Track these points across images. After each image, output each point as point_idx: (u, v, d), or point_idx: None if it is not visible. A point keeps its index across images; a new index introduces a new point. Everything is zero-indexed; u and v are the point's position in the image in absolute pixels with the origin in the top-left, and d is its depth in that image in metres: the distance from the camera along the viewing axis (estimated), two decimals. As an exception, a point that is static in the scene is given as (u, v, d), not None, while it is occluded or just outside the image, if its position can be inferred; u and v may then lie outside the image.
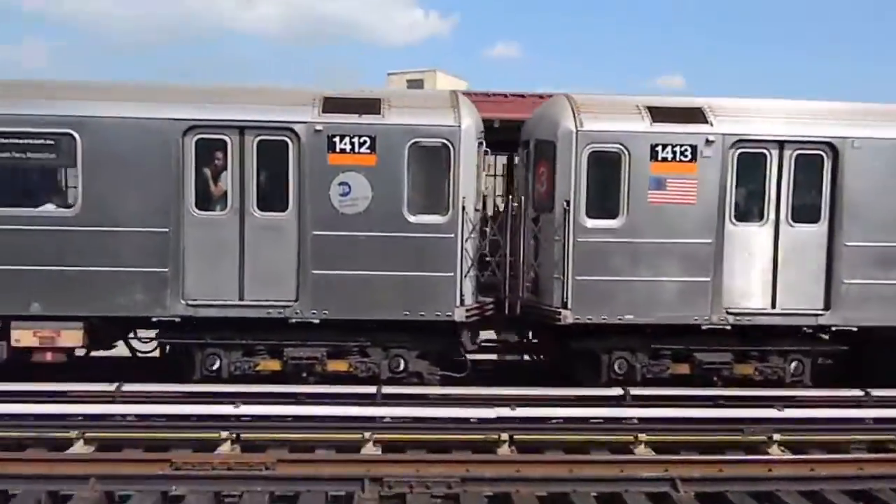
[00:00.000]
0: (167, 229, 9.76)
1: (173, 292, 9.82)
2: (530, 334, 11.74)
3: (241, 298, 9.97)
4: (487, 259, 10.50)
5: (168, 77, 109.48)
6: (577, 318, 10.23)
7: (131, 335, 11.10)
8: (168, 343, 10.55)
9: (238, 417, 8.95)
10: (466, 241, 10.08)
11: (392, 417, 9.05)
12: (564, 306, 10.20)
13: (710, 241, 10.26)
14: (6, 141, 9.68)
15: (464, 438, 8.47)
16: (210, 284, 9.93)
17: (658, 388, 10.17)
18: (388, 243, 9.98)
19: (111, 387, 9.63)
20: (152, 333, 10.71)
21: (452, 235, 10.04)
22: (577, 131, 10.08)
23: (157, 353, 11.13)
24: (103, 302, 9.83)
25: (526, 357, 12.55)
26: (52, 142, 9.71)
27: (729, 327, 10.55)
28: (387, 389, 9.72)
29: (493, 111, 12.07)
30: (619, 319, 10.29)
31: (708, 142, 10.15)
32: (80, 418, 8.82)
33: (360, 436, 8.29)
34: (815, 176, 10.43)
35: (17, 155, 9.75)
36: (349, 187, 9.90)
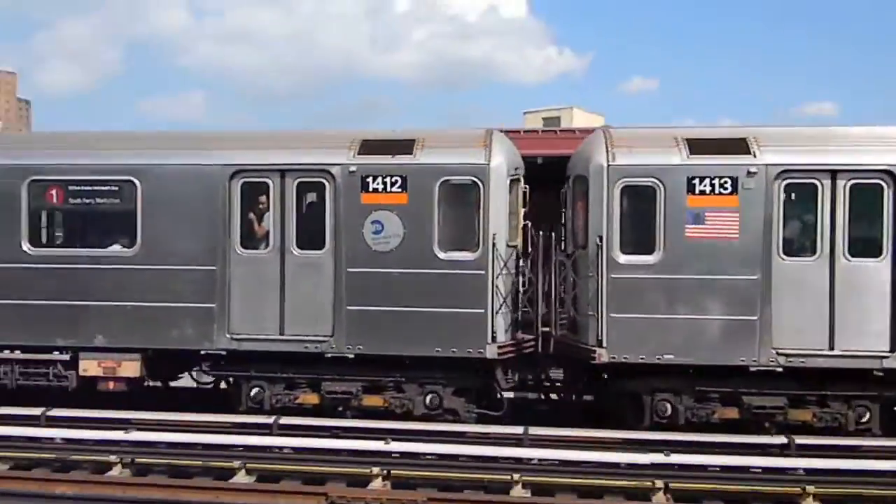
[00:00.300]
0: (214, 267, 10.39)
1: (219, 327, 10.41)
2: (564, 373, 11.46)
3: (281, 333, 10.41)
4: (526, 295, 10.45)
5: (312, 122, 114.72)
6: (613, 357, 9.93)
7: (195, 368, 11.78)
8: (217, 376, 11.14)
9: (389, 454, 9.19)
10: (497, 277, 10.08)
11: (540, 459, 9.03)
12: (599, 344, 9.93)
13: (755, 276, 9.73)
14: (79, 188, 10.72)
15: (615, 484, 8.37)
16: (253, 319, 10.44)
17: (827, 438, 9.59)
18: (420, 280, 10.15)
19: (269, 419, 10.09)
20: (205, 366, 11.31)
21: (483, 272, 10.07)
22: (609, 166, 9.92)
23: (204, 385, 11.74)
24: (158, 335, 10.55)
25: (553, 396, 12.17)
26: (116, 188, 10.66)
27: (780, 369, 9.89)
28: (534, 430, 9.63)
29: (541, 147, 12.06)
30: (658, 359, 9.90)
31: (749, 173, 9.70)
32: (240, 449, 9.43)
33: (508, 477, 8.35)
34: (874, 206, 9.71)
35: (88, 200, 10.77)
36: (382, 225, 10.19)
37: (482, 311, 10.09)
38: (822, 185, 9.77)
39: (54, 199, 10.82)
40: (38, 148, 11.39)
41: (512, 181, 10.48)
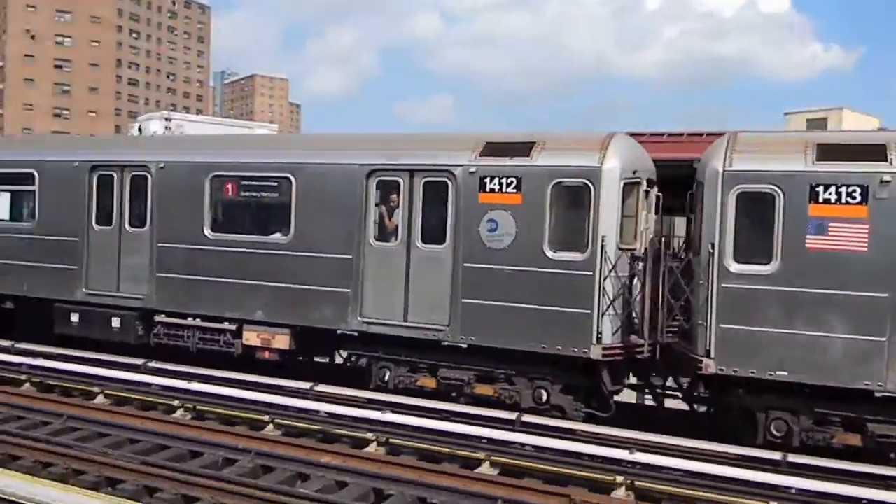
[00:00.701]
0: (351, 256, 11.56)
1: (353, 310, 11.56)
2: (674, 380, 11.18)
3: (405, 320, 11.32)
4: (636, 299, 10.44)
5: (555, 123, 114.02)
6: (721, 369, 9.62)
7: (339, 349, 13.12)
8: (351, 354, 12.36)
9: (633, 464, 9.12)
10: (605, 279, 10.17)
11: (798, 489, 8.59)
12: (707, 355, 9.67)
13: (886, 294, 8.93)
14: (248, 183, 12.44)
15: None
16: (382, 306, 11.47)
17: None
18: (529, 277, 10.53)
19: (512, 415, 10.45)
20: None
21: (590, 273, 10.23)
22: (724, 171, 9.60)
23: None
24: (304, 314, 11.96)
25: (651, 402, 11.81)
26: (276, 183, 12.22)
27: (909, 397, 8.98)
28: (794, 458, 9.22)
29: (667, 152, 11.80)
30: (770, 375, 9.43)
31: (883, 182, 8.90)
32: (484, 441, 9.80)
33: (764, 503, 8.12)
34: None
35: (255, 194, 12.46)
36: (496, 224, 10.71)
37: (588, 311, 10.25)
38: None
39: (229, 192, 12.65)
40: (219, 148, 13.35)
41: (629, 184, 10.48)
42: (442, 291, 11.06)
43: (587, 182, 10.30)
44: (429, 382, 11.41)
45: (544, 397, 10.80)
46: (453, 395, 11.26)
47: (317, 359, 13.52)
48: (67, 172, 13.76)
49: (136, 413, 10.91)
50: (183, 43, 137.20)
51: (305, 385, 11.67)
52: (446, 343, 11.13)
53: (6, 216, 14.70)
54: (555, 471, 8.86)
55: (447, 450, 9.45)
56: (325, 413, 10.82)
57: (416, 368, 11.55)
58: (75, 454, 8.76)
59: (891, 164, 8.97)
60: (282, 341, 12.27)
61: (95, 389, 11.79)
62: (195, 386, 11.72)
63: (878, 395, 9.11)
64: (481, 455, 9.15)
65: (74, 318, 13.88)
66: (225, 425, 10.44)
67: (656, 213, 11.18)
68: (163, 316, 13.13)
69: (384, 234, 11.60)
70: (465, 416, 10.48)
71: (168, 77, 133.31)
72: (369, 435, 9.83)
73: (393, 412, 10.56)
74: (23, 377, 12.45)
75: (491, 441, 9.73)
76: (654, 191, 10.98)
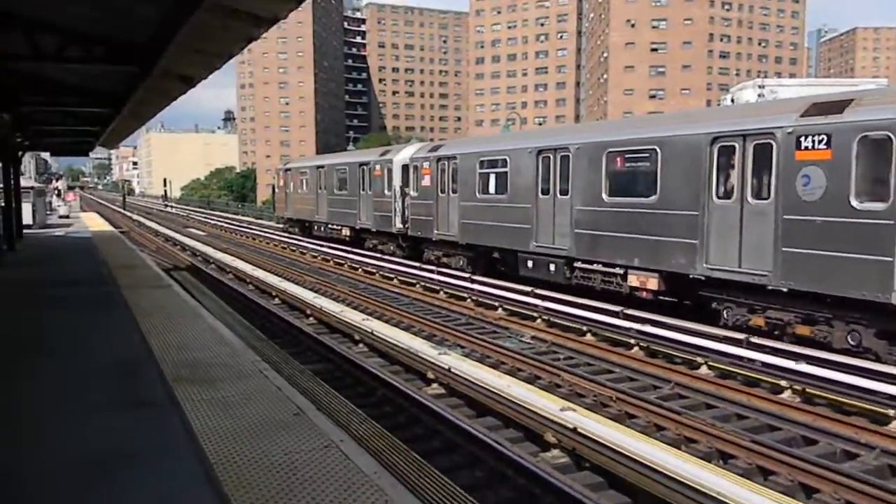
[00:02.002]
0: (697, 213, 13.73)
1: (700, 258, 13.73)
2: None
3: (739, 266, 13.04)
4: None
5: None
6: None
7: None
8: (700, 297, 14.38)
9: None
10: None
11: None
12: None
13: None
14: (629, 156, 15.53)
15: None
16: (722, 254, 13.37)
17: None
18: (838, 227, 11.30)
19: None
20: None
21: (892, 221, 10.56)
22: None
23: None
24: (665, 261, 14.57)
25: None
26: (647, 154, 15.02)
27: None
28: None
29: None
30: None
31: None
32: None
33: None
34: None
35: (633, 164, 15.48)
36: (809, 179, 11.70)
37: (890, 259, 10.61)
38: None
39: (618, 164, 15.90)
40: (611, 129, 16.66)
41: None
42: (767, 241, 12.47)
43: (890, 134, 10.60)
44: (758, 321, 12.92)
45: (858, 339, 11.40)
46: (776, 333, 12.57)
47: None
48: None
49: (741, 388, 10.88)
50: (776, 5, 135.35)
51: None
52: (770, 287, 12.51)
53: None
54: None
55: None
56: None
57: (751, 309, 13.13)
58: (686, 421, 9.12)
59: None
60: (653, 283, 15.08)
61: (699, 360, 12.09)
62: (803, 367, 11.00)
63: None
64: (890, 412, 9.38)
65: (530, 263, 18.90)
66: (838, 413, 9.79)
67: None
68: (579, 262, 17.12)
69: (724, 192, 13.43)
70: (877, 373, 10.75)
71: (759, 44, 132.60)
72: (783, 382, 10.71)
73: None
74: (632, 341, 13.51)
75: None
76: None
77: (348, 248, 28.38)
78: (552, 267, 17.96)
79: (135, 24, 9.84)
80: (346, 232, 30.94)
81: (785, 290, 12.32)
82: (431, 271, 21.89)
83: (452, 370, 10.62)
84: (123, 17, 9.72)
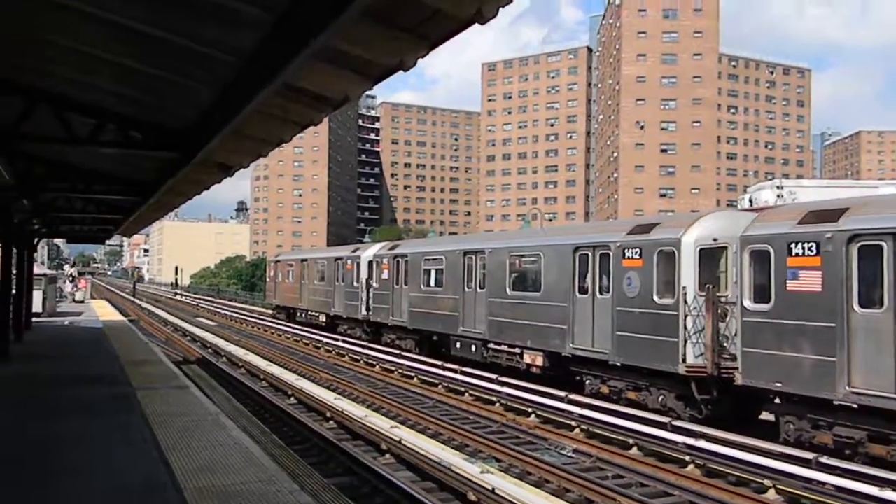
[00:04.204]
0: (566, 304, 17.35)
1: (569, 340, 17.14)
2: None
3: (593, 346, 16.48)
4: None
5: None
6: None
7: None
8: (572, 371, 17.47)
9: None
10: (686, 317, 14.06)
11: None
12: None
13: None
14: (524, 258, 19.62)
15: None
16: (582, 337, 16.79)
17: None
18: (646, 317, 14.90)
19: None
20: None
21: (676, 313, 14.20)
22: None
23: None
24: (547, 343, 18.20)
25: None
26: (535, 258, 18.93)
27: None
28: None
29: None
30: None
31: None
32: None
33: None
34: None
35: (526, 266, 19.47)
36: (631, 280, 15.38)
37: (675, 339, 14.18)
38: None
39: (517, 265, 19.98)
40: (513, 237, 22.75)
41: (708, 249, 14.21)
42: (608, 326, 16.04)
43: (673, 249, 14.55)
44: (605, 390, 16.50)
45: (664, 403, 14.95)
46: (614, 398, 16.16)
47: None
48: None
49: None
50: (781, 109, 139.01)
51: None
52: (611, 362, 15.91)
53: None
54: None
55: None
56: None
57: (603, 380, 16.73)
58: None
59: None
60: (539, 360, 18.42)
61: (766, 482, 10.96)
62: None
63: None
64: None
65: (458, 345, 22.29)
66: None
67: None
68: (491, 343, 20.52)
69: (582, 289, 17.18)
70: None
71: (766, 146, 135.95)
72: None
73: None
74: (686, 458, 12.31)
75: None
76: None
77: (363, 344, 28.68)
78: (473, 348, 21.48)
79: (186, 107, 9.02)
80: (322, 318, 34.79)
81: (619, 364, 15.65)
82: (455, 370, 20.95)
83: (497, 490, 9.57)
84: (175, 98, 8.89)
